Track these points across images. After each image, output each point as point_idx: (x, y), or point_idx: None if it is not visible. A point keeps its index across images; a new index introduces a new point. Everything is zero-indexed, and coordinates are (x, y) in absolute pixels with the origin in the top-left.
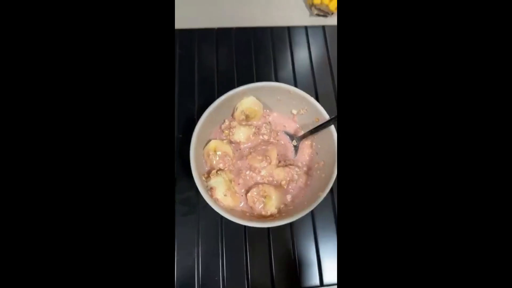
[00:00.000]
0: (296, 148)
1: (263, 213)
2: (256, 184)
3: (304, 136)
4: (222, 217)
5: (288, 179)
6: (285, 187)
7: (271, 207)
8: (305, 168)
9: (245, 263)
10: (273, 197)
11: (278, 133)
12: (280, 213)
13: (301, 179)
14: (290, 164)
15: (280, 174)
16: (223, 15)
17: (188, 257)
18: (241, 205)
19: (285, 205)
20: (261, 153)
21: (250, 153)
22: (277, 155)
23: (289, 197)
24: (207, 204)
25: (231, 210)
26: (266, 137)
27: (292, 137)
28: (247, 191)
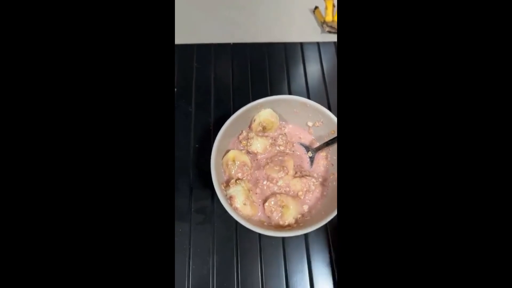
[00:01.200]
0: (312, 159)
1: (281, 222)
2: (274, 194)
3: (319, 148)
4: (237, 226)
5: (305, 190)
6: (302, 197)
7: (289, 217)
8: (320, 179)
9: (259, 274)
10: (291, 207)
11: (294, 144)
12: (297, 223)
13: (317, 190)
14: (307, 175)
15: (297, 185)
16: (239, 31)
17: (203, 266)
18: (258, 215)
19: (302, 215)
20: (278, 164)
21: (268, 163)
22: (294, 165)
23: (306, 208)
24: (222, 213)
25: (248, 220)
26: (282, 148)
27: (307, 148)
28: (265, 201)
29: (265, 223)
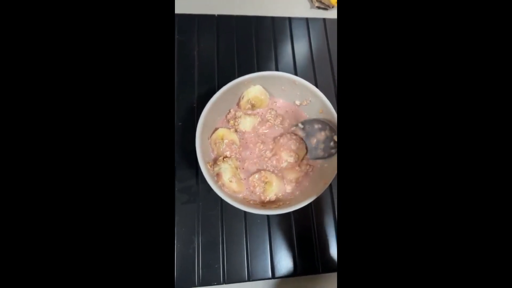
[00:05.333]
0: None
1: (262, 198)
2: (259, 170)
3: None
4: (222, 205)
5: (300, 179)
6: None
7: (270, 193)
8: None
9: (245, 251)
10: (274, 183)
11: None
12: (278, 200)
13: (303, 173)
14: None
15: (292, 175)
16: (224, 1)
17: (189, 245)
18: (244, 192)
19: (285, 194)
20: (292, 144)
21: (283, 136)
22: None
23: (289, 188)
24: (207, 192)
25: (234, 197)
26: (271, 121)
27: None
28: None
29: (251, 202)
